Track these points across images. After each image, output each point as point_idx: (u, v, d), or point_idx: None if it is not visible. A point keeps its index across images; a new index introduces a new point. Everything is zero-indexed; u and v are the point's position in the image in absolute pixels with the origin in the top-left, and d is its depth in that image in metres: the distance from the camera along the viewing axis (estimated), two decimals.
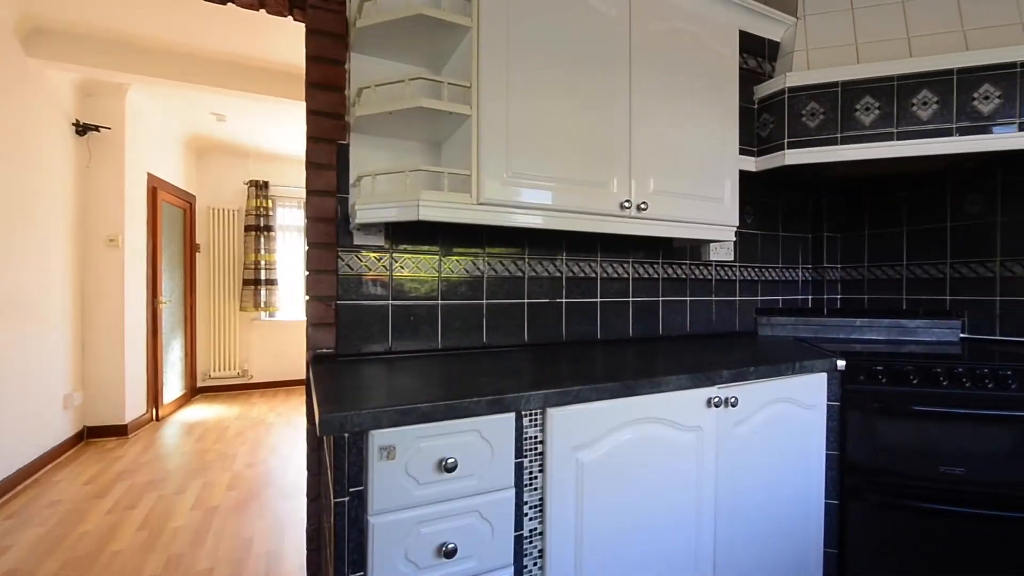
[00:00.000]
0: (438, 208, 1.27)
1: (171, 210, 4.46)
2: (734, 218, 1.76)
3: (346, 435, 0.89)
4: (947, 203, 2.08)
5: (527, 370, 1.27)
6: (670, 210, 1.61)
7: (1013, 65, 1.52)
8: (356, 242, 1.47)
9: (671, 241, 1.97)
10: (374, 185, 1.38)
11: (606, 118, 1.50)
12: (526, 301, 1.73)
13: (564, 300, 1.80)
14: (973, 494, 1.41)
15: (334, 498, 0.91)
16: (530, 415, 1.05)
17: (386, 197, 1.30)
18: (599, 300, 1.87)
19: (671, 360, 1.44)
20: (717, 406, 1.27)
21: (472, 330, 1.63)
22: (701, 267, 2.11)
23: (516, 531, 1.04)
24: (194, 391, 4.99)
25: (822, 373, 1.50)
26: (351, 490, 0.90)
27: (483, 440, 0.98)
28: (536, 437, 1.06)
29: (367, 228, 1.47)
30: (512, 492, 1.02)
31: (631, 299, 1.94)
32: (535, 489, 1.07)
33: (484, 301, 1.65)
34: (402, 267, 1.54)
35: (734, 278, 2.20)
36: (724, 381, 1.29)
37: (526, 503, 1.06)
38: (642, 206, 1.52)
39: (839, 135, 1.68)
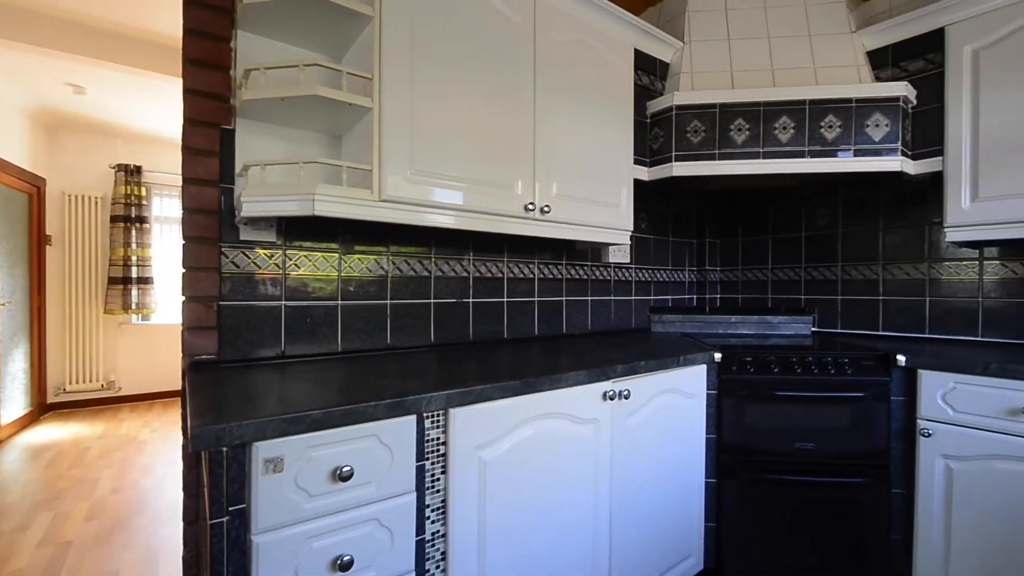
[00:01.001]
0: (336, 204, 1.20)
1: (10, 195, 3.77)
2: (629, 223, 1.89)
3: (224, 449, 0.82)
4: (802, 215, 2.42)
5: (431, 371, 1.25)
6: (572, 214, 1.68)
7: (849, 100, 1.80)
8: (243, 237, 1.35)
9: (574, 243, 2.06)
10: (263, 176, 1.27)
11: (512, 121, 1.53)
12: (433, 301, 1.70)
13: (471, 300, 1.81)
14: (820, 465, 1.65)
15: (211, 519, 0.82)
16: (432, 416, 1.04)
17: (278, 189, 1.21)
18: (506, 300, 1.90)
19: (572, 357, 1.50)
20: (612, 399, 1.35)
21: (375, 331, 1.58)
22: (601, 268, 2.23)
23: (418, 536, 1.02)
24: (43, 408, 4.26)
25: (702, 365, 1.67)
26: (231, 509, 0.83)
27: (382, 445, 0.95)
28: (439, 439, 1.05)
29: (256, 223, 1.35)
30: (413, 496, 1.00)
31: (536, 299, 2.00)
32: (437, 491, 1.06)
33: (388, 301, 1.60)
34: (297, 265, 1.44)
35: (631, 279, 2.36)
36: (618, 375, 1.37)
37: (428, 506, 1.05)
38: (545, 209, 1.57)
39: (717, 151, 1.88)
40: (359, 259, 1.55)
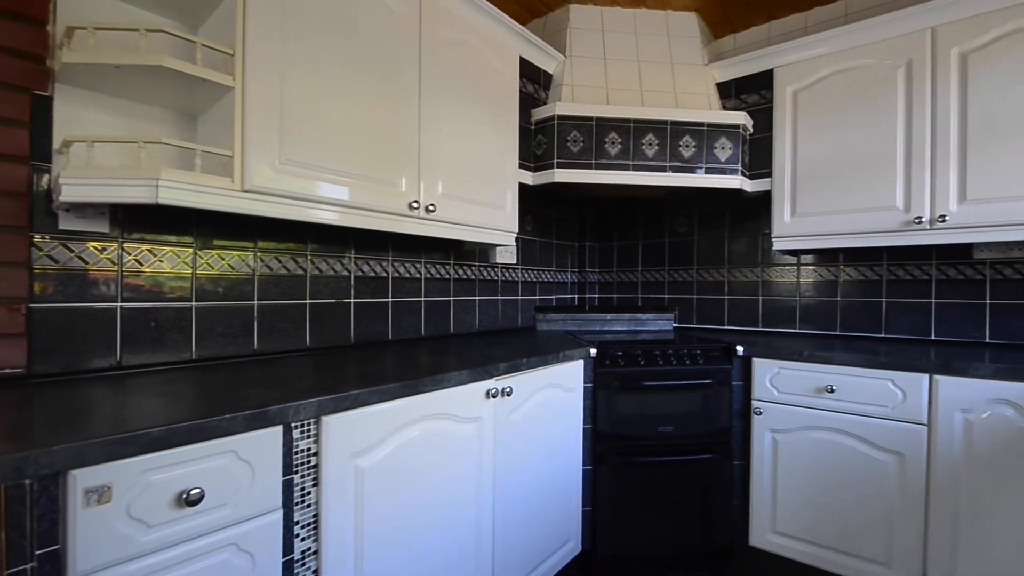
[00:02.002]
0: (187, 191, 1.06)
1: None
2: (515, 225, 1.95)
3: (28, 482, 0.68)
4: (666, 223, 2.70)
5: (304, 377, 1.17)
6: (458, 213, 1.68)
7: (702, 124, 2.05)
8: (64, 227, 1.13)
9: (462, 244, 2.07)
10: (91, 155, 1.08)
11: (396, 116, 1.48)
12: (308, 302, 1.59)
13: (353, 300, 1.72)
14: (678, 445, 1.85)
15: (8, 568, 0.68)
16: (302, 426, 0.97)
17: (112, 172, 1.03)
18: (391, 300, 1.85)
19: (457, 357, 1.50)
20: (495, 396, 1.38)
21: (240, 336, 1.43)
22: (489, 269, 2.27)
23: (285, 556, 0.94)
24: None
25: (580, 360, 1.78)
26: (39, 553, 0.69)
27: (241, 462, 0.86)
28: (310, 449, 0.98)
29: (82, 210, 1.14)
30: (279, 514, 0.92)
31: (423, 299, 1.97)
32: (308, 506, 0.99)
33: (255, 302, 1.46)
34: (139, 261, 1.24)
35: (517, 279, 2.43)
36: (501, 373, 1.41)
37: (298, 523, 0.97)
38: (431, 208, 1.55)
39: (593, 161, 2.02)
40: (219, 255, 1.39)
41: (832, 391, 1.68)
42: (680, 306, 2.65)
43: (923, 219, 1.75)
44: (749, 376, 1.86)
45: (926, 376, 1.53)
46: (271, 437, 0.91)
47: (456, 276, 2.11)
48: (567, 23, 2.25)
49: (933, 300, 1.99)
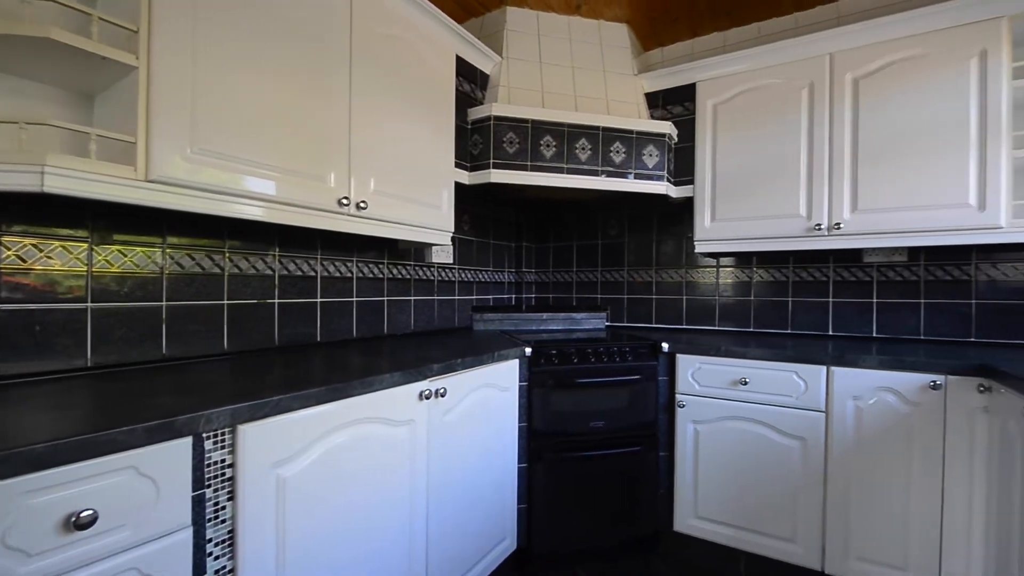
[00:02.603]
0: (80, 180, 0.95)
1: None
2: (450, 224, 1.93)
3: None
4: (599, 226, 2.80)
5: (220, 383, 1.09)
6: (391, 211, 1.64)
7: (631, 132, 2.15)
8: None
9: (396, 242, 2.02)
10: None
11: (326, 109, 1.42)
12: (226, 302, 1.48)
13: (277, 301, 1.63)
14: (609, 439, 1.92)
15: None
16: (215, 436, 0.90)
17: None
18: (320, 300, 1.77)
19: (391, 358, 1.47)
20: (428, 398, 1.36)
21: (145, 340, 1.30)
22: (425, 268, 2.24)
23: None
24: None
25: (515, 360, 1.79)
26: None
27: (142, 478, 0.79)
28: (224, 460, 0.92)
29: None
30: (188, 533, 0.85)
31: (355, 299, 1.90)
32: (223, 522, 0.92)
33: (164, 303, 1.34)
34: (21, 257, 1.10)
35: (454, 279, 2.41)
36: (435, 374, 1.39)
37: (211, 540, 0.90)
38: (362, 205, 1.50)
39: (529, 163, 2.05)
40: (121, 251, 1.26)
41: (746, 383, 1.81)
42: (612, 305, 2.76)
43: (822, 226, 1.94)
44: (673, 371, 1.97)
45: (824, 368, 1.69)
46: (178, 449, 0.83)
47: (390, 276, 2.06)
48: (504, 24, 2.26)
49: (830, 299, 2.21)
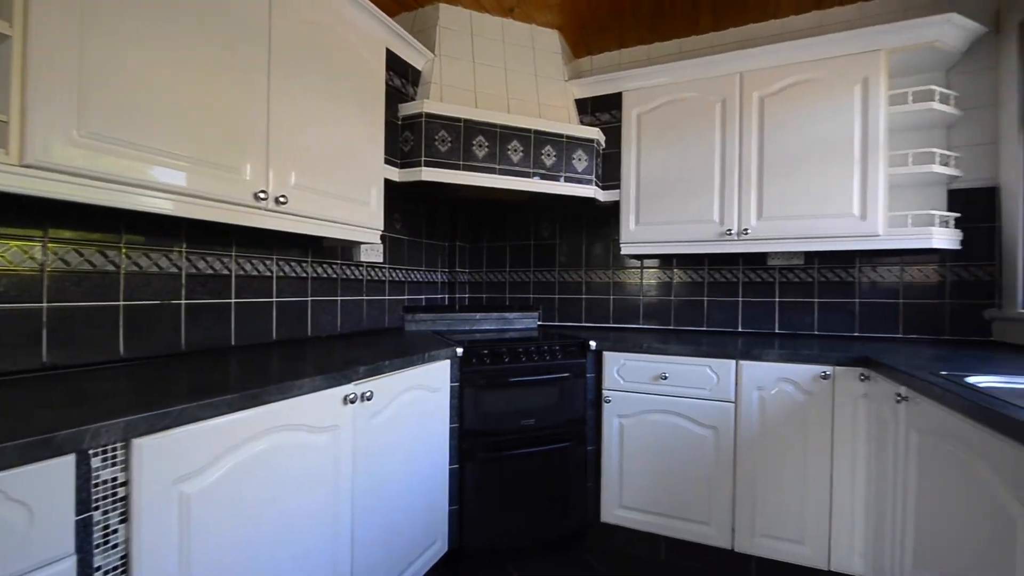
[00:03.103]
0: None
1: None
2: (380, 222, 1.88)
3: None
4: (531, 227, 2.84)
5: (112, 393, 0.98)
6: (315, 208, 1.57)
7: (562, 136, 2.20)
8: None
9: (321, 240, 1.93)
10: None
11: (242, 95, 1.32)
12: (122, 303, 1.34)
13: (184, 302, 1.50)
14: (539, 437, 1.96)
15: None
16: (105, 452, 0.81)
17: None
18: (234, 301, 1.65)
19: (314, 361, 1.40)
20: (353, 402, 1.31)
21: (21, 346, 1.15)
22: (353, 267, 2.15)
23: None
24: None
25: (446, 360, 1.78)
26: None
27: (11, 503, 0.69)
28: (115, 479, 0.83)
29: None
30: (72, 562, 0.76)
31: (275, 300, 1.79)
32: (115, 547, 0.83)
33: (45, 304, 1.19)
34: None
35: (384, 279, 2.35)
36: (361, 377, 1.34)
37: (99, 569, 0.81)
38: (281, 199, 1.42)
39: (461, 162, 2.04)
40: None
41: (666, 378, 1.92)
42: (544, 305, 2.81)
43: (732, 231, 2.10)
44: (600, 368, 2.04)
45: (734, 362, 1.83)
46: (57, 469, 0.74)
47: (315, 275, 1.96)
48: (436, 21, 2.23)
49: (740, 299, 2.40)
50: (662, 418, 1.94)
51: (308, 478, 1.19)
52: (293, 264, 1.86)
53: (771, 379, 1.78)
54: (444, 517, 1.80)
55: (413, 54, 2.13)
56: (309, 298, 1.94)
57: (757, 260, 2.37)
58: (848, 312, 2.23)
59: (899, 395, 1.35)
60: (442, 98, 2.12)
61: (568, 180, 2.22)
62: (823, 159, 1.96)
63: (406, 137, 2.05)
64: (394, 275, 2.41)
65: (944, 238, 1.91)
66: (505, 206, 2.68)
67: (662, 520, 1.94)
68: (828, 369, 1.70)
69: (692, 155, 2.18)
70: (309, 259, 1.93)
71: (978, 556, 0.97)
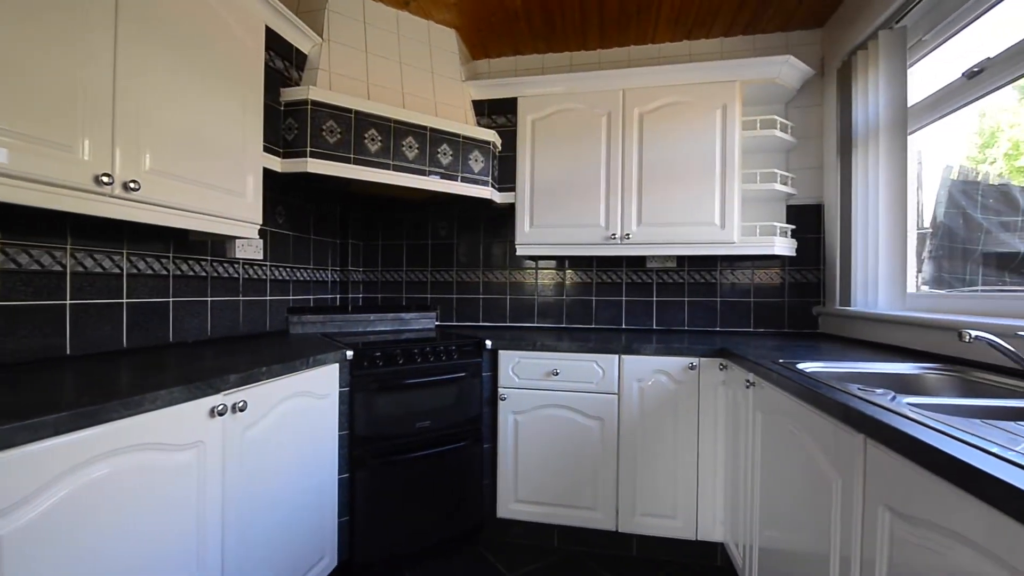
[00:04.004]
0: None
1: None
2: (258, 215, 1.72)
3: None
4: (429, 226, 2.81)
5: None
6: (176, 196, 1.38)
7: (458, 136, 2.20)
8: None
9: (186, 233, 1.71)
10: None
11: (77, 59, 1.12)
12: None
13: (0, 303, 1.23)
14: (435, 438, 1.94)
15: None
16: None
17: None
18: (69, 302, 1.40)
19: (174, 370, 1.23)
20: (222, 414, 1.18)
21: None
22: (227, 265, 1.94)
23: None
24: None
25: (335, 364, 1.68)
26: None
27: None
28: None
29: None
30: None
31: (126, 300, 1.56)
32: None
33: None
34: None
35: (265, 277, 2.15)
36: (232, 386, 1.22)
37: None
38: (132, 185, 1.23)
39: (352, 155, 1.94)
40: None
41: (557, 374, 2.02)
42: (442, 305, 2.79)
43: (616, 236, 2.26)
44: (496, 367, 2.08)
45: (617, 356, 1.98)
46: None
47: (179, 272, 1.74)
48: (326, 4, 2.10)
49: (623, 298, 2.60)
50: (554, 412, 2.03)
51: (166, 503, 1.05)
52: (150, 260, 1.63)
53: (648, 371, 1.95)
54: (333, 530, 1.70)
55: (298, 36, 1.98)
56: (171, 299, 1.71)
57: (638, 263, 2.58)
58: (711, 310, 2.52)
59: (748, 381, 1.56)
60: (331, 86, 2.00)
61: (465, 180, 2.23)
62: (692, 173, 2.20)
63: (289, 124, 1.90)
64: (277, 274, 2.22)
65: (784, 246, 2.24)
66: (402, 204, 2.61)
67: (554, 510, 2.03)
68: (695, 360, 1.91)
69: (582, 162, 2.31)
70: (171, 255, 1.71)
71: (807, 513, 1.16)
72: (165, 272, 1.69)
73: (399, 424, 1.85)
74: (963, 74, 1.64)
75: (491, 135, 2.31)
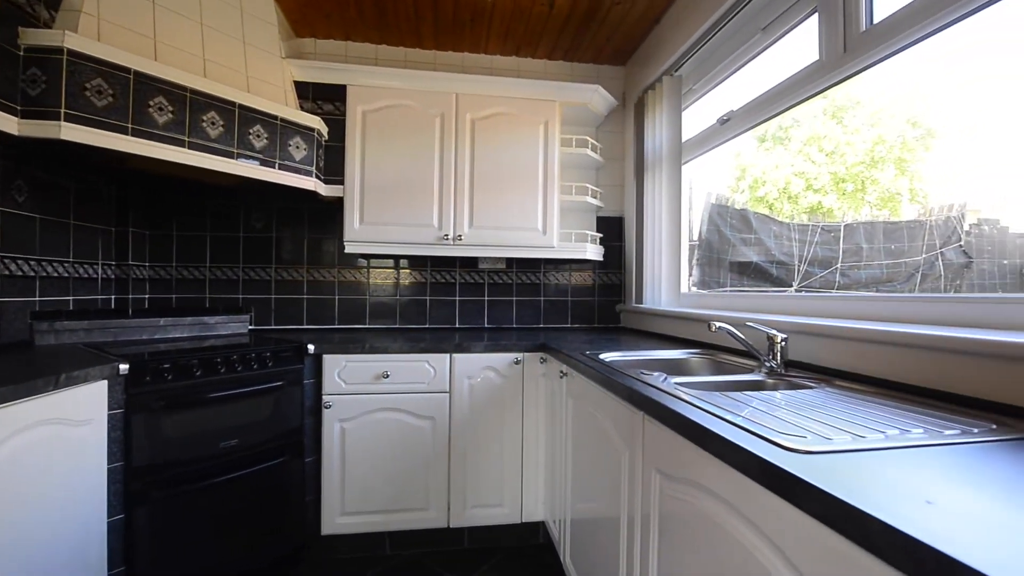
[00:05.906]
0: None
1: None
2: None
3: None
4: (241, 217, 2.47)
5: None
6: None
7: (276, 118, 1.98)
8: None
9: None
10: None
11: None
12: None
13: None
14: (245, 457, 1.71)
15: None
16: None
17: None
18: None
19: None
20: None
21: None
22: None
23: None
24: None
25: (102, 381, 1.36)
26: None
27: None
28: None
29: None
30: None
31: None
32: None
33: None
34: None
35: None
36: None
37: None
38: None
39: (130, 125, 1.59)
40: None
41: (387, 376, 1.96)
42: (257, 307, 2.48)
43: (449, 237, 2.30)
44: (320, 372, 1.93)
45: (448, 355, 2.01)
46: None
47: None
48: None
49: (457, 298, 2.66)
50: (384, 415, 1.97)
51: None
52: None
53: (478, 368, 2.03)
54: None
55: None
56: None
57: (471, 263, 2.66)
58: (536, 308, 2.74)
59: (562, 371, 1.74)
60: (100, 37, 1.61)
61: (283, 168, 2.01)
62: (518, 181, 2.36)
63: (33, 75, 1.47)
64: (14, 268, 1.71)
65: (594, 252, 2.55)
66: (204, 188, 2.23)
67: (386, 517, 1.97)
68: (520, 355, 2.05)
69: (415, 161, 2.29)
70: None
71: (604, 484, 1.33)
72: None
73: (197, 446, 1.59)
74: (717, 120, 2.09)
75: (316, 121, 2.13)
